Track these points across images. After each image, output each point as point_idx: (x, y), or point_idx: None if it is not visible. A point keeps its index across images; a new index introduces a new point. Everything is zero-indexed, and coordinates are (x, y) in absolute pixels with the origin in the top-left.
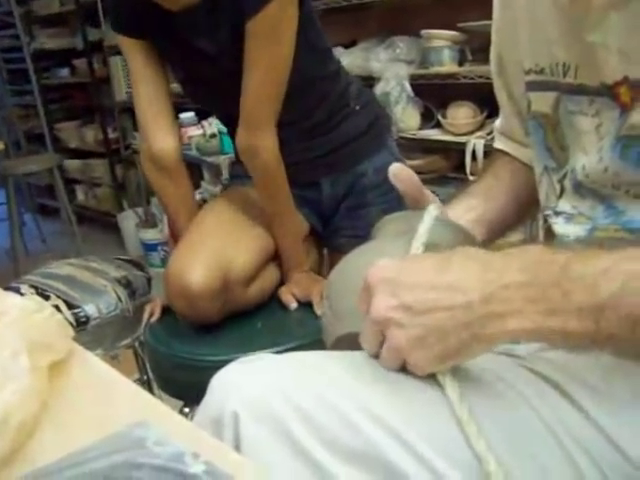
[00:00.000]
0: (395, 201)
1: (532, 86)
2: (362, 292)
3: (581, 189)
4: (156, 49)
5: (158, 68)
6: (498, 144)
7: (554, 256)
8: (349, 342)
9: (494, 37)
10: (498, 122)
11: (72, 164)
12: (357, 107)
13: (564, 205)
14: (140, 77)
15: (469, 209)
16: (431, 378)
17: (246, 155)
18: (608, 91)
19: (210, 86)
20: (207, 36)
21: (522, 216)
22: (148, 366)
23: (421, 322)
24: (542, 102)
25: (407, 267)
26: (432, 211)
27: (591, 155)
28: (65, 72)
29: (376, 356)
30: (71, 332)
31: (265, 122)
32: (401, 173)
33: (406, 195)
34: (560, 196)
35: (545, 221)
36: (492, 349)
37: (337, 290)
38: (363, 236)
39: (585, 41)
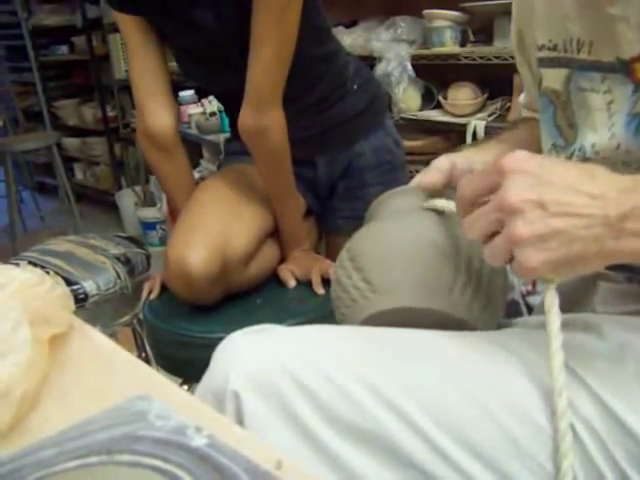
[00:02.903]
0: (393, 182)
1: (544, 62)
2: (486, 176)
3: None
4: (153, 26)
5: (155, 45)
6: (525, 114)
7: None
8: (388, 318)
9: (514, 12)
10: (522, 96)
11: (71, 142)
12: (355, 87)
13: None
14: (136, 54)
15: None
16: (445, 351)
17: (253, 136)
18: (623, 67)
19: (208, 63)
20: (208, 8)
21: None
22: (146, 343)
23: (552, 223)
24: (553, 79)
25: (548, 165)
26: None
27: (602, 132)
28: (64, 49)
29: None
30: (72, 305)
31: (273, 100)
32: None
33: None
34: None
35: None
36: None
37: (376, 263)
38: (361, 217)
39: (604, 14)
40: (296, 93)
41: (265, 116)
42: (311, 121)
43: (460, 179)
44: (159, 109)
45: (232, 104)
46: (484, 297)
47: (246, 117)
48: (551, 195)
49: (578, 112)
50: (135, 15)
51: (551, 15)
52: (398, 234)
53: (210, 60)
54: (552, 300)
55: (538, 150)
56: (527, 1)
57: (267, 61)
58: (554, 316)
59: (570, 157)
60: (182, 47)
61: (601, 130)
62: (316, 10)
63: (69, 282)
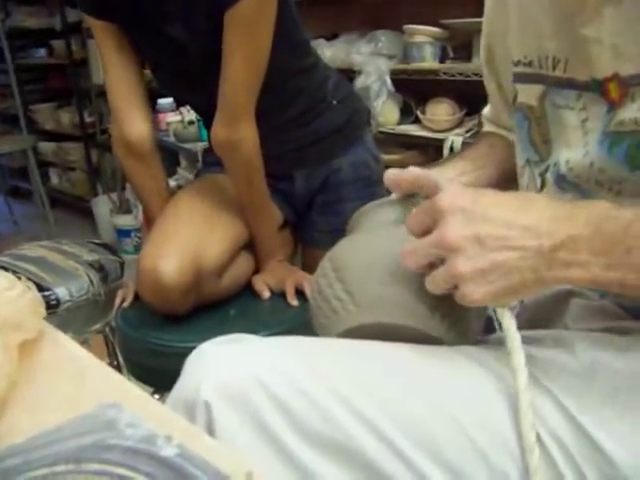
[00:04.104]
0: (371, 197)
1: (520, 78)
2: (422, 213)
3: (563, 183)
4: (127, 34)
5: (129, 52)
6: (487, 128)
7: (619, 212)
8: (368, 331)
9: (485, 26)
10: (486, 109)
11: (47, 146)
12: (334, 102)
13: None
14: (111, 61)
15: (463, 173)
16: (421, 366)
17: (225, 149)
18: (597, 86)
19: (181, 76)
20: (180, 23)
21: (507, 190)
22: (118, 351)
23: (490, 257)
24: (529, 94)
25: (482, 200)
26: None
27: (576, 150)
28: (42, 52)
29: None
30: (43, 311)
31: (245, 113)
32: (400, 182)
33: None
34: (541, 189)
35: None
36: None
37: (360, 275)
38: (338, 231)
39: (578, 35)
40: (274, 107)
41: (237, 129)
42: (290, 136)
43: (430, 188)
44: (135, 118)
45: (207, 116)
46: (464, 320)
47: (218, 130)
48: (487, 230)
49: (553, 128)
50: (106, 21)
51: (527, 31)
52: (384, 247)
53: (183, 73)
54: (509, 321)
55: (499, 165)
56: (502, 16)
57: (239, 75)
58: (513, 334)
59: (544, 173)
60: (155, 57)
61: (575, 147)
62: (294, 24)
63: (41, 288)
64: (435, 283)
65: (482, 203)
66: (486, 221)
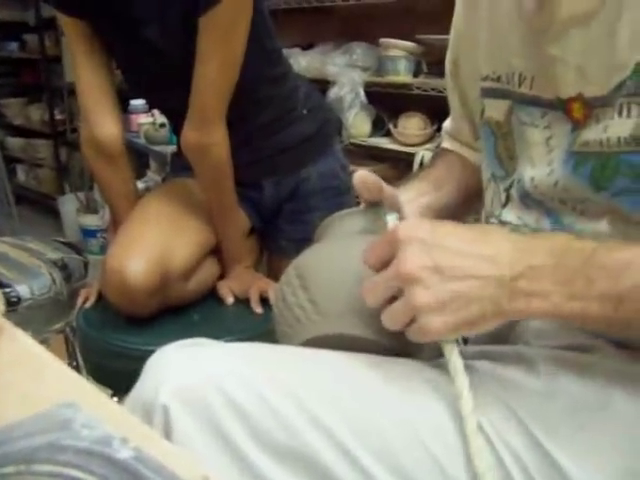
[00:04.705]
0: (339, 207)
1: (487, 92)
2: (379, 245)
3: (527, 199)
4: (98, 33)
5: (101, 51)
6: (446, 144)
7: (581, 244)
8: (331, 341)
9: (452, 39)
10: (447, 123)
11: (15, 142)
12: (304, 111)
13: (509, 215)
14: (81, 59)
15: (421, 194)
16: (380, 378)
17: (195, 153)
18: (562, 105)
19: (153, 78)
20: (154, 24)
21: (467, 209)
22: (78, 352)
23: (450, 287)
24: (495, 109)
25: (440, 230)
26: (394, 215)
27: (540, 167)
28: (14, 46)
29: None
30: (2, 308)
31: (217, 117)
32: (369, 182)
33: (369, 201)
34: (505, 205)
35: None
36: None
37: (324, 285)
38: (305, 240)
39: (544, 53)
40: (244, 114)
41: (208, 133)
42: (259, 144)
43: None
44: (106, 119)
45: (177, 120)
46: None
47: (189, 134)
48: (445, 259)
49: (518, 145)
50: (78, 18)
51: (496, 47)
52: (349, 257)
53: (155, 75)
54: (453, 353)
55: (457, 185)
56: (470, 31)
57: (211, 79)
58: (455, 360)
59: (509, 188)
60: (127, 59)
61: (540, 165)
62: (267, 32)
63: (1, 284)
64: (393, 316)
65: (440, 233)
66: (445, 250)
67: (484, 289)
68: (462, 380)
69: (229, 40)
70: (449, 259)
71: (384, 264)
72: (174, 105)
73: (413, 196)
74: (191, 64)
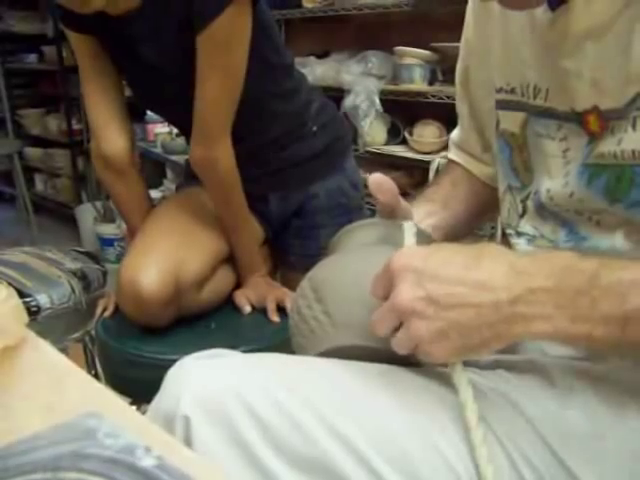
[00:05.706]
0: (345, 225)
1: (502, 104)
2: (381, 276)
3: (543, 211)
4: (105, 49)
5: (108, 66)
6: (452, 155)
7: (583, 264)
8: (346, 352)
9: (463, 48)
10: (455, 133)
11: (33, 152)
12: (314, 128)
13: (525, 226)
14: (89, 74)
15: (429, 214)
16: (393, 387)
17: (202, 168)
18: (577, 118)
19: (156, 94)
20: (150, 43)
21: (472, 226)
22: (97, 361)
23: (446, 317)
24: (511, 121)
25: (434, 258)
26: (410, 223)
27: (556, 179)
28: (33, 58)
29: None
30: (26, 318)
31: (220, 133)
32: (384, 184)
33: (384, 206)
34: (522, 216)
35: (504, 235)
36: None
37: (338, 297)
38: (313, 255)
39: (559, 67)
40: (252, 129)
41: (213, 148)
42: (267, 158)
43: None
44: (112, 134)
45: (186, 132)
46: None
47: (195, 149)
48: (439, 289)
49: (534, 156)
50: (86, 34)
51: (510, 59)
52: (363, 269)
53: (158, 91)
54: (460, 372)
55: (463, 202)
56: (482, 42)
57: (213, 97)
58: (464, 387)
59: (526, 199)
60: (130, 74)
61: (556, 177)
62: (273, 47)
63: (22, 294)
64: (399, 345)
65: (433, 262)
66: (438, 280)
67: (480, 316)
68: (465, 392)
69: (228, 57)
70: (443, 288)
71: (387, 295)
72: (179, 119)
73: (421, 217)
74: (191, 81)
